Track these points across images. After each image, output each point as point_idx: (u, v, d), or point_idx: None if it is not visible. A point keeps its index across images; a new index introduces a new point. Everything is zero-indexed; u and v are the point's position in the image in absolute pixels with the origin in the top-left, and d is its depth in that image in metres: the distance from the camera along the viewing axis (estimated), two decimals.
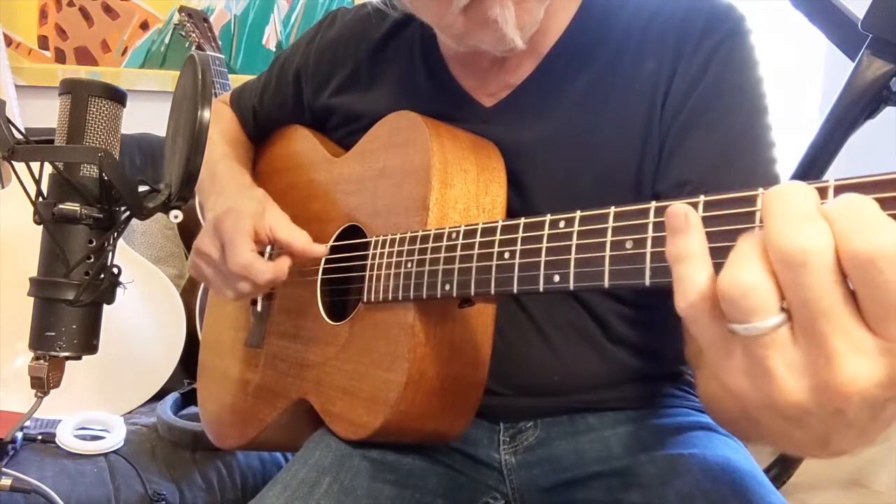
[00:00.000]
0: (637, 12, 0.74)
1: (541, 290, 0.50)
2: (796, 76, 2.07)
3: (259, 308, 0.90)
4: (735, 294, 0.32)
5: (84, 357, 0.57)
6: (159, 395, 1.29)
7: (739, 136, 0.69)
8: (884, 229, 0.29)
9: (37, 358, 0.56)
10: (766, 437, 0.40)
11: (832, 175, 0.35)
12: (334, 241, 0.80)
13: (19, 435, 1.05)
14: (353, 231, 0.77)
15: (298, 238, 0.76)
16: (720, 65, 0.69)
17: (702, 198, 0.41)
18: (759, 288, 0.32)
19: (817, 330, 0.31)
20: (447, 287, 0.59)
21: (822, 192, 0.35)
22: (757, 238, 0.33)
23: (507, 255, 0.53)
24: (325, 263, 0.80)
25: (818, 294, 0.31)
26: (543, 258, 0.50)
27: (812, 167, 1.36)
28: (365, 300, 0.70)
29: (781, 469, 1.74)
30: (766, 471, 1.44)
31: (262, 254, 0.83)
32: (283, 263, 0.76)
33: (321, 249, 0.76)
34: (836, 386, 0.31)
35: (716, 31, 0.70)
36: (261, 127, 1.00)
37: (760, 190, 0.38)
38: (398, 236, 0.67)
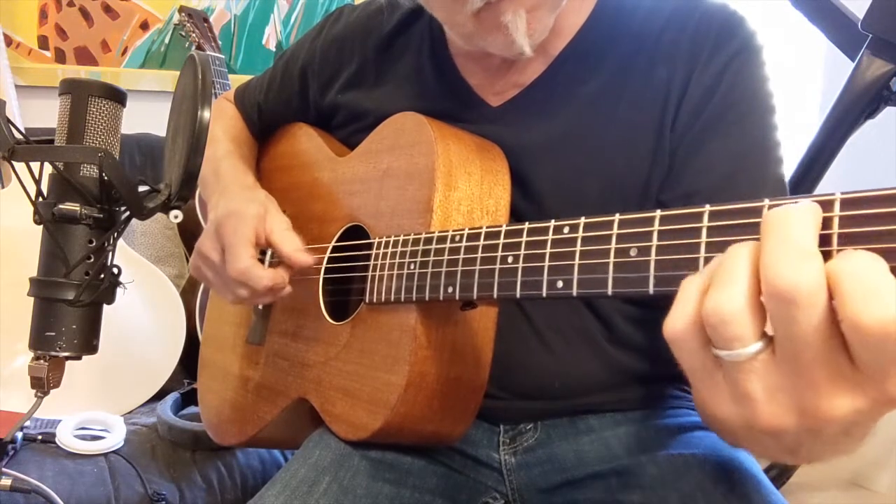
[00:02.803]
0: (650, 18, 0.74)
1: (544, 295, 0.50)
2: (796, 76, 2.07)
3: (261, 305, 0.90)
4: (716, 321, 0.32)
5: (84, 357, 0.57)
6: (159, 395, 1.29)
7: (752, 146, 0.69)
8: (888, 301, 0.29)
9: (37, 358, 0.56)
10: (740, 442, 0.41)
11: (832, 175, 0.35)
12: (337, 241, 0.79)
13: (19, 435, 1.04)
14: (356, 231, 0.77)
15: (288, 244, 0.75)
16: (734, 76, 0.70)
17: (707, 207, 0.40)
18: (741, 317, 0.32)
19: (801, 360, 0.31)
20: (450, 290, 0.59)
21: (828, 206, 0.35)
22: (747, 257, 0.33)
23: (510, 260, 0.53)
24: (327, 263, 0.80)
25: (805, 330, 0.31)
26: (547, 263, 0.50)
27: (812, 167, 1.36)
28: (367, 301, 0.70)
29: (781, 469, 1.73)
30: (766, 471, 1.44)
31: (262, 258, 0.83)
32: (285, 272, 0.75)
33: (307, 259, 0.75)
34: (816, 412, 0.32)
35: (728, 44, 0.70)
36: (265, 124, 1.00)
37: (766, 201, 0.37)
38: (401, 238, 0.67)
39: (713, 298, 0.32)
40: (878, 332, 0.29)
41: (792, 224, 0.32)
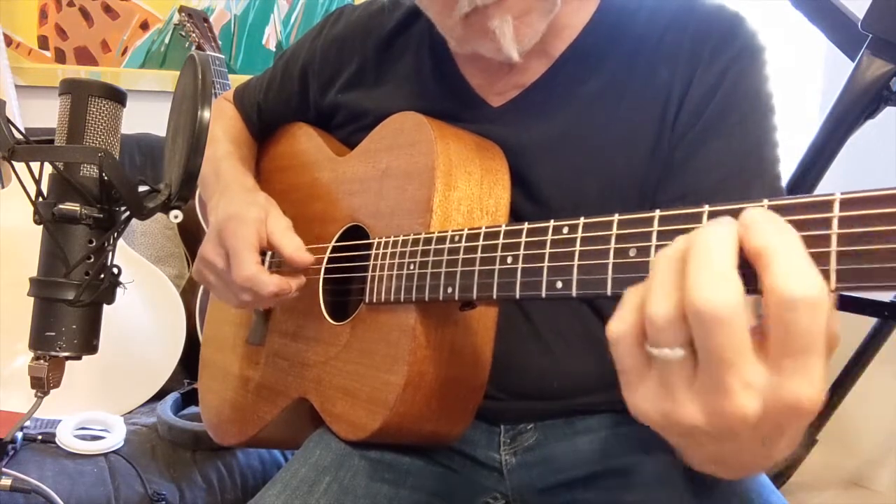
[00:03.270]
0: (652, 19, 0.74)
1: (543, 295, 0.50)
2: (796, 76, 2.07)
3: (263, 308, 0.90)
4: (650, 326, 0.36)
5: (84, 357, 0.57)
6: (159, 395, 1.29)
7: (752, 147, 0.69)
8: (813, 278, 0.32)
9: (37, 358, 0.56)
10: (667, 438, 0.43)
11: (832, 175, 0.35)
12: (337, 241, 0.79)
13: (19, 435, 1.05)
14: (356, 231, 0.77)
15: (288, 244, 0.75)
16: (736, 77, 0.69)
17: (706, 207, 0.40)
18: (671, 325, 0.35)
19: (715, 368, 0.34)
20: (449, 290, 0.59)
21: (827, 206, 0.35)
22: (678, 266, 0.36)
23: (509, 260, 0.53)
24: (327, 263, 0.80)
25: (720, 346, 0.34)
26: (546, 264, 0.50)
27: (812, 167, 1.36)
28: (367, 301, 0.70)
29: (781, 469, 1.74)
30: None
31: (263, 259, 0.83)
32: (293, 281, 0.75)
33: (308, 257, 0.75)
34: (727, 415, 0.35)
35: (730, 45, 0.70)
36: (265, 124, 1.00)
37: (765, 202, 0.38)
38: (401, 238, 0.67)
39: (650, 302, 0.36)
40: (797, 304, 0.32)
41: (711, 248, 0.34)
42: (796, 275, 0.33)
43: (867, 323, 1.62)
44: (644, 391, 0.38)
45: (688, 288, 0.34)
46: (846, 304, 1.55)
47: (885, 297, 1.53)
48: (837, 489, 1.96)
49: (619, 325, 0.38)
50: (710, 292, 0.33)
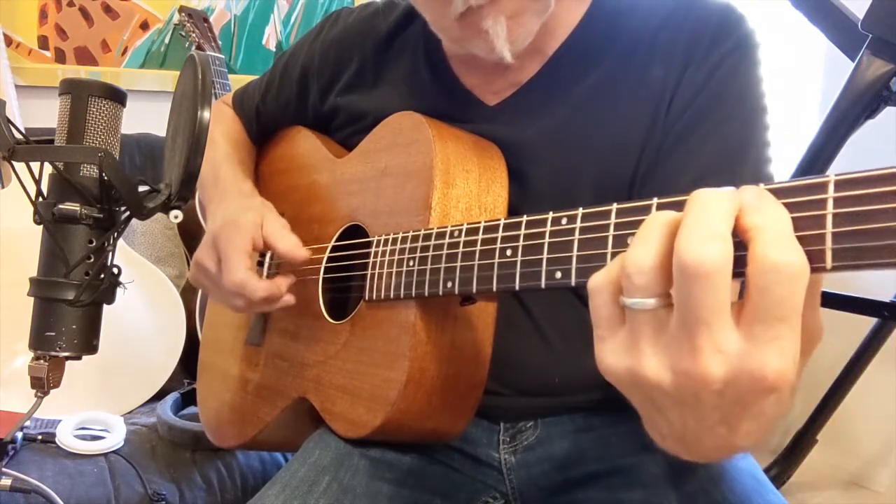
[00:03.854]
0: (647, 17, 0.74)
1: (542, 286, 0.50)
2: (796, 76, 2.07)
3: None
4: (632, 270, 0.36)
5: (84, 357, 0.57)
6: (159, 395, 1.29)
7: (734, 147, 0.69)
8: (796, 251, 0.34)
9: (37, 358, 0.56)
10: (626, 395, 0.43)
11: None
12: (336, 241, 0.80)
13: (19, 435, 1.05)
14: (356, 231, 0.78)
15: (283, 242, 0.76)
16: (723, 76, 0.69)
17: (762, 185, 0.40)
18: (648, 272, 0.36)
19: (689, 326, 0.35)
20: (449, 285, 0.59)
21: (822, 188, 0.35)
22: (668, 223, 0.36)
23: (509, 253, 0.53)
24: (326, 262, 0.80)
25: (699, 303, 0.34)
26: (546, 255, 0.50)
27: (812, 167, 1.36)
28: (366, 298, 0.70)
29: (781, 469, 1.74)
30: (766, 471, 1.45)
31: (261, 263, 0.83)
32: (282, 283, 0.76)
33: (304, 253, 0.76)
34: (692, 375, 0.35)
35: (724, 42, 0.70)
36: (264, 127, 1.00)
37: (761, 186, 0.38)
38: (400, 235, 0.67)
39: (630, 251, 0.37)
40: (778, 271, 0.33)
41: (710, 206, 0.35)
42: (781, 245, 0.34)
43: (867, 323, 1.62)
44: (613, 344, 0.39)
45: (680, 241, 0.34)
46: (846, 303, 1.56)
47: (885, 297, 1.53)
48: (837, 489, 1.96)
49: (601, 277, 0.39)
50: (700, 248, 0.34)
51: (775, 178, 0.71)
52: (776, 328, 0.34)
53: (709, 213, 0.35)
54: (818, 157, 1.37)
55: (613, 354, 0.38)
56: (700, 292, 0.34)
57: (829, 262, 0.35)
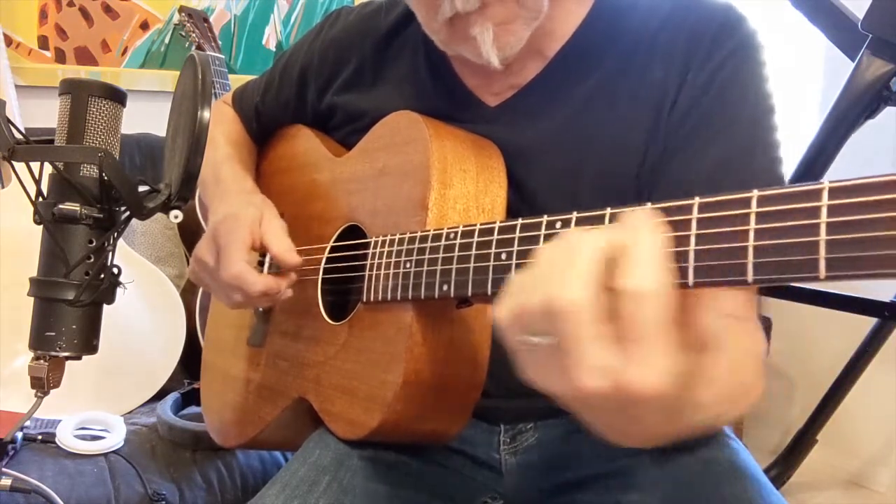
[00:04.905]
0: (647, 18, 0.73)
1: None
2: (796, 76, 2.07)
3: (261, 308, 0.90)
4: (515, 317, 0.41)
5: (84, 357, 0.57)
6: (159, 395, 1.29)
7: (743, 149, 0.68)
8: (653, 274, 0.37)
9: (37, 358, 0.56)
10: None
11: (831, 175, 0.36)
12: (335, 242, 0.80)
13: (19, 435, 1.05)
14: (354, 231, 0.78)
15: (277, 245, 0.76)
16: (726, 77, 0.69)
17: (696, 199, 0.41)
18: (533, 318, 0.40)
19: (563, 353, 0.38)
20: (445, 287, 0.59)
21: (816, 195, 0.35)
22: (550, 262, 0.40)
23: (503, 256, 0.53)
24: (325, 263, 0.80)
25: (569, 337, 0.38)
26: None
27: (812, 167, 1.36)
28: (364, 300, 0.70)
29: (781, 469, 1.74)
30: (766, 471, 1.45)
31: (262, 262, 0.83)
32: (281, 279, 0.76)
33: (295, 259, 0.76)
34: (575, 390, 0.39)
35: (725, 43, 0.69)
36: (264, 127, 1.00)
37: (755, 192, 0.38)
38: (397, 237, 0.67)
39: (511, 301, 0.41)
40: (640, 296, 0.36)
41: (573, 251, 0.39)
42: (639, 270, 0.37)
43: (867, 323, 1.62)
44: (529, 367, 0.43)
45: (541, 284, 0.39)
46: (846, 303, 1.56)
47: (885, 296, 1.53)
48: (837, 489, 1.97)
49: (502, 310, 0.42)
50: (559, 290, 0.38)
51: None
52: (644, 347, 0.37)
53: (569, 254, 0.39)
54: (818, 156, 1.37)
55: (531, 374, 0.43)
56: (562, 326, 0.38)
57: (822, 273, 0.35)
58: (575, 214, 0.48)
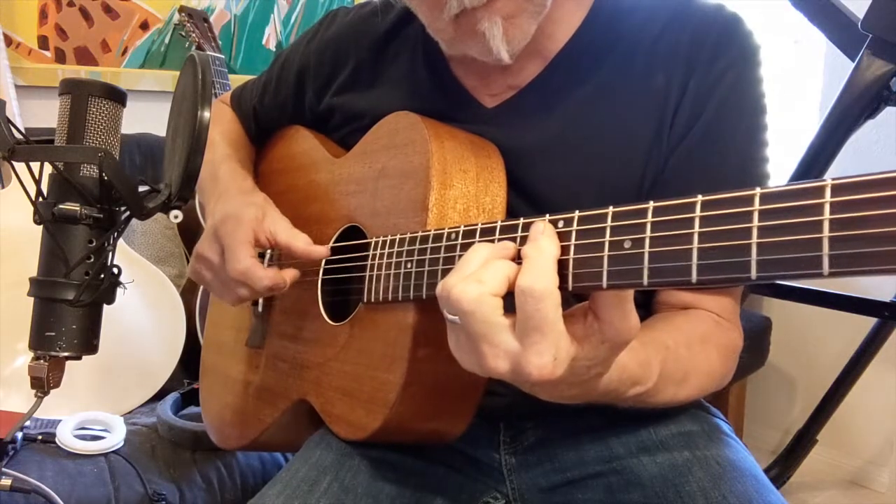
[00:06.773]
0: (647, 22, 0.73)
1: None
2: (796, 76, 2.07)
3: (260, 308, 0.90)
4: (439, 297, 0.50)
5: (84, 357, 0.57)
6: (159, 395, 1.29)
7: (745, 153, 0.70)
8: (545, 277, 0.45)
9: (37, 358, 0.56)
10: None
11: (832, 175, 0.36)
12: (335, 243, 0.80)
13: (19, 435, 1.05)
14: (354, 232, 0.77)
15: (298, 240, 0.76)
16: (731, 84, 0.70)
17: (699, 197, 0.41)
18: (447, 300, 0.48)
19: (473, 341, 0.48)
20: None
21: (818, 192, 0.35)
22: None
23: None
24: (325, 264, 0.80)
25: (468, 326, 0.48)
26: None
27: (812, 167, 1.36)
28: (365, 301, 0.70)
29: (781, 469, 1.74)
30: (766, 471, 1.45)
31: (262, 257, 0.83)
32: (286, 274, 0.76)
33: (322, 250, 0.76)
34: (489, 370, 0.48)
35: (727, 50, 0.71)
36: (262, 127, 1.00)
37: (757, 190, 0.38)
38: (398, 237, 0.67)
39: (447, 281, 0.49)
40: (528, 295, 0.45)
41: (470, 257, 0.50)
42: (533, 274, 0.45)
43: (867, 323, 1.62)
44: (452, 343, 0.52)
45: (444, 285, 0.49)
46: (846, 303, 1.56)
47: (885, 297, 1.53)
48: (837, 489, 1.97)
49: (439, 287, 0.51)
50: (458, 291, 0.47)
51: (773, 175, 0.72)
52: (532, 336, 0.45)
53: (468, 261, 0.49)
54: (818, 156, 1.37)
55: (454, 351, 0.52)
56: (467, 320, 0.47)
57: (826, 269, 0.35)
58: (577, 213, 0.48)
